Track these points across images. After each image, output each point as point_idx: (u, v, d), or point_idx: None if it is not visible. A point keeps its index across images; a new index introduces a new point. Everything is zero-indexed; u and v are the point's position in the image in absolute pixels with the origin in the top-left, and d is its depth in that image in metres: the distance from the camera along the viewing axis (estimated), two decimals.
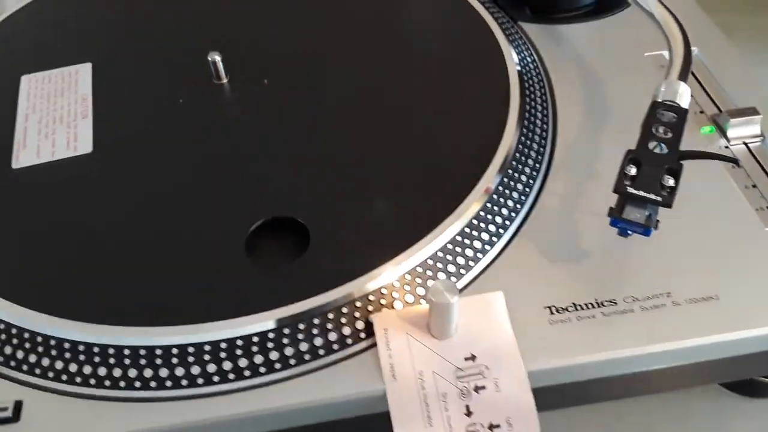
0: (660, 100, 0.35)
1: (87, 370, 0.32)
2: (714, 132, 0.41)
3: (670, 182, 0.31)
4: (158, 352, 0.32)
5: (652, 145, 0.33)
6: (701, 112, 0.43)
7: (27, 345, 0.33)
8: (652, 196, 0.31)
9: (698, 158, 0.33)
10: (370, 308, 0.34)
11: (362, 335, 0.33)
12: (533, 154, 0.40)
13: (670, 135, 0.33)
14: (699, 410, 0.41)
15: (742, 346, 0.33)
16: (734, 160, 0.33)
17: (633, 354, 0.32)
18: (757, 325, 0.33)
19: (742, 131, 0.40)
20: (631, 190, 0.31)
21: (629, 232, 0.32)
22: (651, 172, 0.31)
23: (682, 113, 0.34)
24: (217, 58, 0.44)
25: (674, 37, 0.39)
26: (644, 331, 0.33)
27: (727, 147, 0.40)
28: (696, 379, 0.36)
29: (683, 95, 0.35)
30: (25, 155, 0.41)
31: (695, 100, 0.43)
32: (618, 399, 0.37)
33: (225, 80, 0.44)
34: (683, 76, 0.36)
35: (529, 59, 0.46)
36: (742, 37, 0.49)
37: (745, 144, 0.40)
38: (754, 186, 0.38)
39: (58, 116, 0.44)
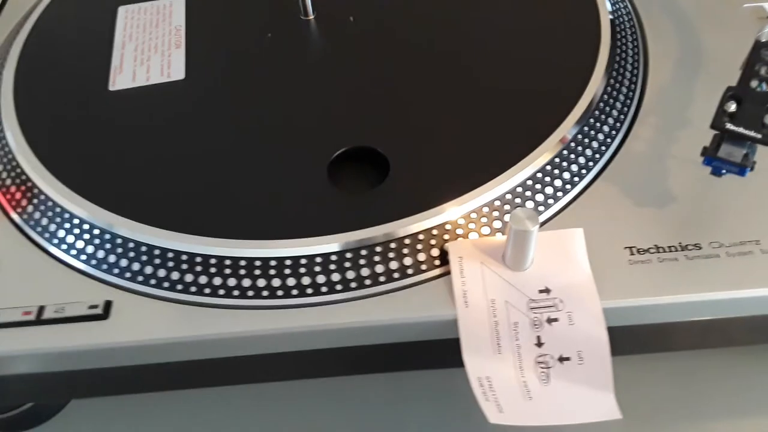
0: (764, 41, 0.33)
1: (175, 276, 0.34)
2: None
3: None
4: (242, 263, 0.33)
5: (754, 84, 0.31)
6: None
7: (119, 250, 0.35)
8: (752, 134, 0.30)
9: None
10: (446, 237, 0.34)
11: (437, 262, 0.33)
12: (621, 98, 0.39)
13: None
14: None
15: None
16: None
17: (714, 298, 0.31)
18: None
19: None
20: (730, 126, 0.30)
21: (723, 171, 0.31)
22: (752, 110, 0.30)
23: None
24: None
25: None
26: (728, 277, 0.31)
27: None
28: None
29: None
30: (121, 79, 0.43)
31: None
32: (694, 349, 0.36)
33: (312, 16, 0.45)
34: None
35: (621, 6, 0.45)
36: None
37: None
38: None
39: (153, 45, 0.45)
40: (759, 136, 0.29)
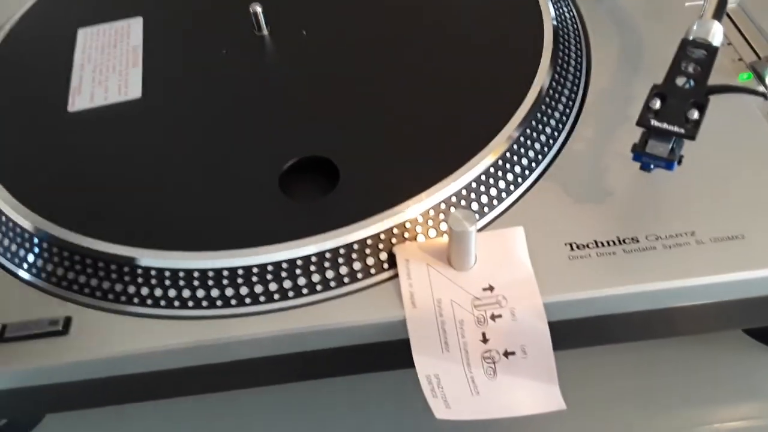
0: (691, 38, 0.34)
1: (131, 289, 0.35)
2: (752, 78, 0.40)
3: (695, 115, 0.31)
4: (196, 274, 0.34)
5: (681, 81, 0.33)
6: (740, 59, 0.42)
7: (78, 266, 0.36)
8: (675, 129, 0.31)
9: (725, 92, 0.32)
10: (395, 241, 0.35)
11: (386, 266, 0.34)
12: (564, 99, 0.40)
13: (698, 71, 0.33)
14: (725, 361, 0.41)
15: (766, 285, 0.33)
16: (762, 94, 0.32)
17: (651, 289, 0.32)
18: None
19: None
20: (654, 122, 0.31)
21: (652, 166, 0.32)
22: (676, 106, 0.31)
23: (712, 50, 0.34)
24: (258, 10, 0.46)
25: None
26: (664, 268, 0.33)
27: (764, 93, 0.39)
28: (719, 322, 0.36)
29: (715, 34, 0.34)
30: (80, 100, 0.44)
31: (734, 48, 0.42)
32: (639, 340, 0.37)
33: (266, 31, 0.46)
34: (717, 16, 0.35)
35: (565, 10, 0.46)
36: None
37: None
38: None
39: (110, 65, 0.46)
40: (682, 130, 0.31)
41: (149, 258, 0.35)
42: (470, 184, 0.36)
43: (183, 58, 0.46)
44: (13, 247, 0.37)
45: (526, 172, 0.37)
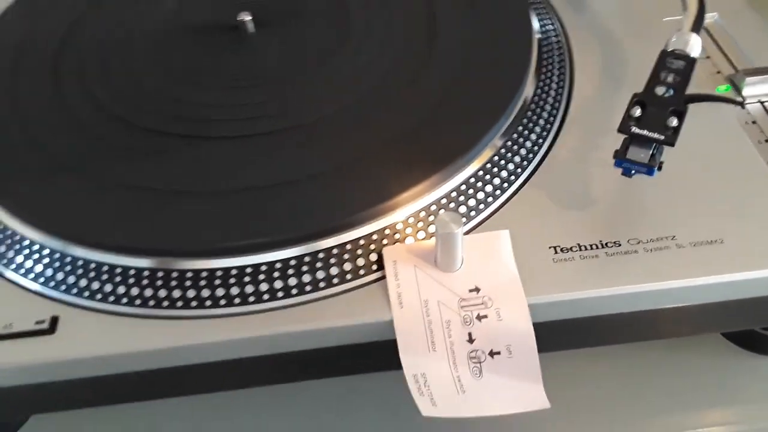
0: (670, 50, 0.36)
1: (120, 290, 0.35)
2: (729, 90, 0.41)
3: (674, 122, 0.32)
4: (189, 275, 0.34)
5: (660, 90, 0.34)
6: (718, 72, 0.43)
7: (66, 267, 0.36)
8: (655, 135, 0.32)
9: (703, 100, 0.34)
10: (384, 242, 0.35)
11: (375, 267, 0.35)
12: (548, 108, 0.41)
13: (677, 81, 0.34)
14: (703, 365, 0.42)
15: (745, 288, 0.34)
16: (739, 102, 0.34)
17: (631, 291, 0.33)
18: (759, 267, 0.33)
19: (757, 89, 0.41)
20: (634, 129, 0.32)
21: (633, 172, 0.33)
22: (655, 113, 0.33)
23: (690, 61, 0.35)
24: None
25: None
26: (645, 270, 0.33)
27: (741, 102, 0.41)
28: (699, 326, 0.37)
29: (694, 46, 0.36)
30: None
31: (713, 62, 0.44)
32: (619, 343, 0.38)
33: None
34: (695, 28, 0.37)
35: (549, 23, 0.47)
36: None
37: (761, 102, 0.41)
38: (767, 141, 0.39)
39: None
40: (662, 137, 0.32)
41: (136, 259, 0.35)
42: (458, 188, 0.37)
43: None
44: (1, 249, 0.37)
45: (512, 177, 0.38)
